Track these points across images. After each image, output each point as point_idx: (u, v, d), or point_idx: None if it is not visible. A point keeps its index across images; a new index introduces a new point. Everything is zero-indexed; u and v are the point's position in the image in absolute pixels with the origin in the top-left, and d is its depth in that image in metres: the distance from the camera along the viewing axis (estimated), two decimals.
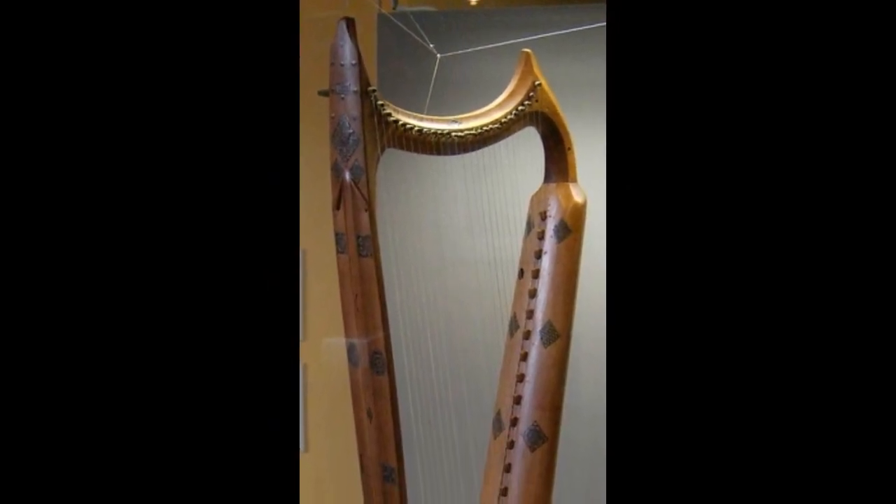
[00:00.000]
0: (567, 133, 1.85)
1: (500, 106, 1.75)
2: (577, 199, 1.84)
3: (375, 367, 1.56)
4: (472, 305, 2.10)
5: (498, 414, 1.82)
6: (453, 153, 1.67)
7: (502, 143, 1.76)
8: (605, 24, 1.34)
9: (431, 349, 1.82)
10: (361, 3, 2.32)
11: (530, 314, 1.81)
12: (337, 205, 1.54)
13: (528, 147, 1.84)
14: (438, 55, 1.94)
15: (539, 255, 1.83)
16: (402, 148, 1.60)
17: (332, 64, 1.51)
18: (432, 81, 1.90)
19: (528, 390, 1.79)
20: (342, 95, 1.50)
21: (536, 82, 1.78)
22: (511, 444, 1.78)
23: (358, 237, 1.53)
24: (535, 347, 1.80)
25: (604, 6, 1.38)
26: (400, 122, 1.56)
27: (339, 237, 1.56)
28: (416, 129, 1.59)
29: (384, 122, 1.53)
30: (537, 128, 1.83)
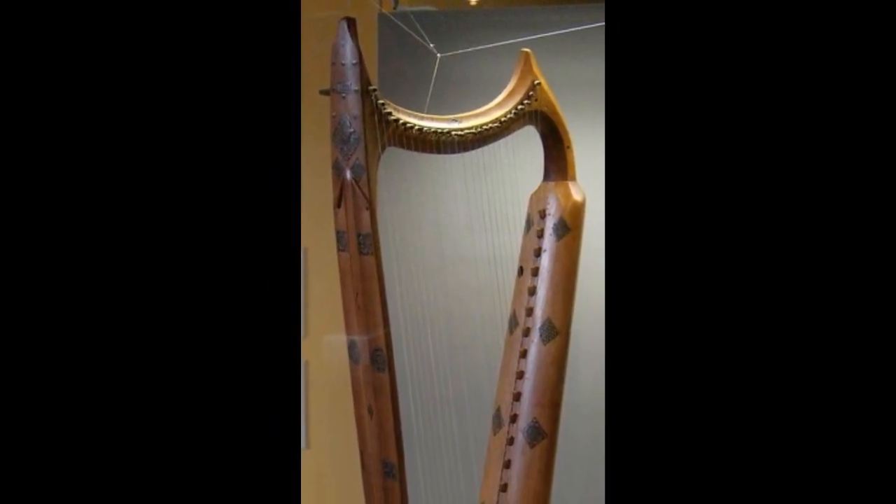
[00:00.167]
0: (566, 132, 1.85)
1: (499, 105, 1.75)
2: (576, 197, 1.84)
3: (376, 364, 1.56)
4: (471, 303, 2.10)
5: (498, 410, 1.82)
6: (453, 152, 1.67)
7: (502, 141, 1.76)
8: (603, 24, 1.34)
9: (432, 346, 1.82)
10: (362, 3, 2.32)
11: (530, 311, 1.81)
12: (338, 203, 1.54)
13: (528, 146, 1.84)
14: (438, 55, 1.94)
15: (538, 253, 1.83)
16: (402, 147, 1.60)
17: (333, 63, 1.51)
18: (432, 81, 1.90)
19: (527, 387, 1.79)
20: (343, 94, 1.50)
21: (536, 81, 1.78)
22: (511, 441, 1.78)
23: (359, 235, 1.53)
24: (534, 344, 1.80)
25: (602, 6, 1.38)
26: (400, 121, 1.56)
27: (340, 235, 1.56)
28: (417, 128, 1.59)
29: (385, 121, 1.53)
30: (537, 127, 1.83)
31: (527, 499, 1.77)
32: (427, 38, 1.96)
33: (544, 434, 1.78)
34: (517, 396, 1.79)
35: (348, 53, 1.49)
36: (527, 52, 1.80)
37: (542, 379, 1.79)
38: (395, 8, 2.28)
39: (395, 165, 2.06)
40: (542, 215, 1.84)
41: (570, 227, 1.83)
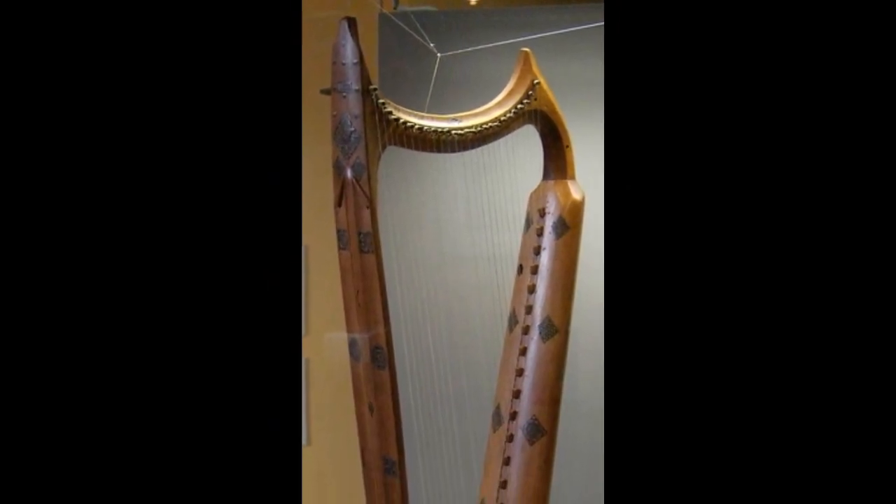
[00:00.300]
0: (565, 131, 1.85)
1: (499, 104, 1.75)
2: (576, 196, 1.84)
3: (376, 362, 1.56)
4: (471, 301, 2.10)
5: (497, 408, 1.82)
6: (453, 151, 1.67)
7: (502, 140, 1.76)
8: (602, 23, 1.34)
9: (432, 344, 1.82)
10: (363, 3, 2.32)
11: (529, 309, 1.82)
12: (339, 202, 1.54)
13: (527, 145, 1.84)
14: (439, 54, 1.94)
15: (538, 251, 1.83)
16: (402, 146, 1.60)
17: (334, 63, 1.51)
18: (433, 80, 1.90)
19: (527, 384, 1.79)
20: (344, 94, 1.50)
21: (535, 81, 1.78)
22: (510, 438, 1.78)
23: (359, 234, 1.53)
24: (533, 342, 1.80)
25: (601, 6, 1.38)
26: (401, 121, 1.56)
27: (340, 234, 1.56)
28: (417, 127, 1.59)
29: (385, 120, 1.53)
30: (536, 126, 1.83)
31: (526, 495, 1.77)
32: (427, 38, 1.96)
33: (543, 431, 1.78)
34: (517, 394, 1.79)
35: (349, 53, 1.49)
36: (526, 52, 1.80)
37: (542, 376, 1.79)
38: (395, 8, 2.28)
39: (396, 164, 2.05)
40: (542, 214, 1.84)
41: (569, 226, 1.83)
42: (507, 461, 1.78)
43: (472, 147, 1.70)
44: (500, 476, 1.78)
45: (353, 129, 1.50)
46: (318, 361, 2.78)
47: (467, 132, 1.66)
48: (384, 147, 1.55)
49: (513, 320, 1.84)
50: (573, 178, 1.87)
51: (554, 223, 1.83)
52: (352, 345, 1.59)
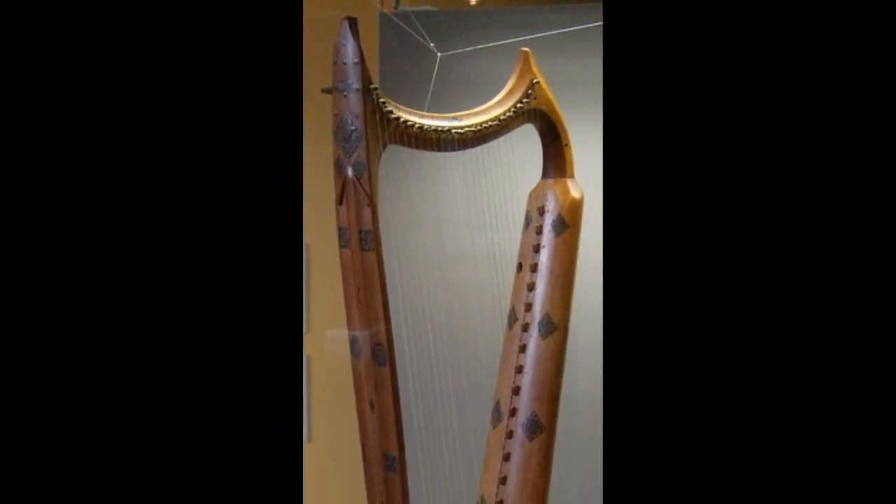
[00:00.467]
0: (564, 130, 1.85)
1: (499, 103, 1.75)
2: (575, 194, 1.84)
3: (377, 359, 1.56)
4: (471, 298, 2.10)
5: (497, 404, 1.82)
6: (453, 150, 1.67)
7: (501, 139, 1.76)
8: (601, 23, 1.34)
9: (432, 341, 1.83)
10: (364, 3, 2.32)
11: (528, 307, 1.82)
12: (340, 200, 1.54)
13: (527, 144, 1.84)
14: (439, 54, 1.94)
15: (537, 249, 1.83)
16: (403, 144, 1.60)
17: (335, 62, 1.51)
18: (433, 79, 1.90)
19: (526, 381, 1.79)
20: (345, 93, 1.50)
21: (534, 80, 1.78)
22: (510, 434, 1.79)
23: (360, 232, 1.53)
24: (533, 339, 1.80)
25: (600, 6, 1.38)
26: (401, 120, 1.56)
27: (341, 232, 1.56)
28: (417, 126, 1.59)
29: (386, 119, 1.54)
30: (535, 125, 1.83)
31: (525, 491, 1.77)
32: (427, 38, 1.96)
33: (543, 427, 1.78)
34: (516, 391, 1.79)
35: (350, 52, 1.49)
36: (526, 52, 1.80)
37: (541, 373, 1.79)
38: (396, 8, 2.28)
39: (396, 163, 2.05)
40: (541, 212, 1.84)
41: (568, 224, 1.83)
42: (506, 457, 1.78)
43: (472, 146, 1.71)
44: (500, 472, 1.78)
45: (353, 127, 1.50)
46: (319, 358, 2.78)
47: (467, 131, 1.66)
48: (385, 146, 1.55)
49: (512, 318, 1.84)
50: (572, 176, 1.87)
51: (553, 221, 1.83)
52: (353, 342, 1.59)
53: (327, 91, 1.53)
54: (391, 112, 1.54)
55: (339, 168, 1.52)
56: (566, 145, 1.85)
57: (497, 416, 1.82)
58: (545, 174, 1.88)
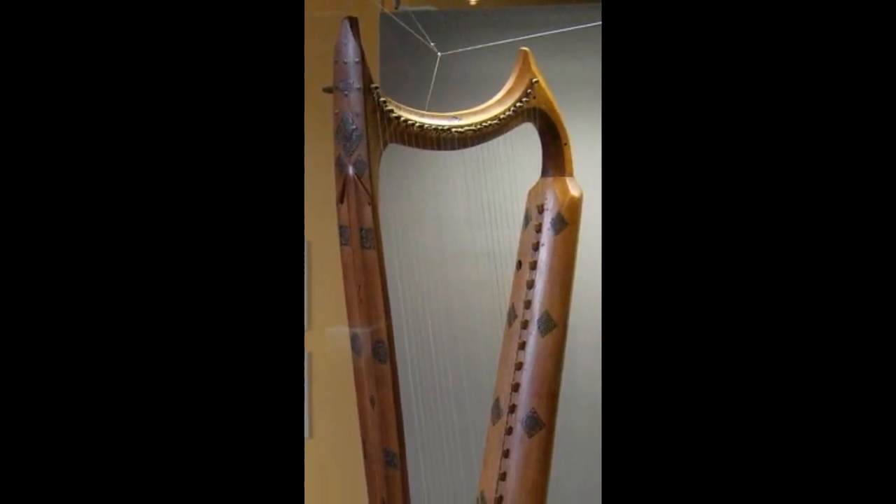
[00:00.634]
0: (563, 129, 1.85)
1: (498, 103, 1.75)
2: (574, 192, 1.84)
3: (378, 356, 1.56)
4: (471, 296, 2.11)
5: (497, 401, 1.82)
6: (453, 148, 1.67)
7: (501, 138, 1.76)
8: (600, 23, 1.34)
9: (432, 338, 1.83)
10: (364, 3, 2.32)
11: (528, 304, 1.82)
12: (341, 198, 1.54)
13: (526, 143, 1.84)
14: (439, 53, 1.94)
15: (536, 247, 1.83)
16: (403, 143, 1.60)
17: (336, 62, 1.51)
18: (433, 79, 1.90)
19: (525, 378, 1.79)
20: (346, 92, 1.50)
21: (534, 80, 1.78)
22: (509, 431, 1.79)
23: (361, 230, 1.53)
24: (532, 337, 1.80)
25: (599, 6, 1.38)
26: (402, 119, 1.56)
27: (342, 230, 1.56)
28: (418, 125, 1.59)
29: (386, 118, 1.53)
30: (535, 124, 1.83)
31: (525, 487, 1.77)
32: (428, 38, 1.96)
33: (542, 424, 1.78)
34: (516, 387, 1.79)
35: (351, 52, 1.49)
36: (525, 51, 1.80)
37: (540, 370, 1.79)
38: (396, 8, 2.28)
39: (397, 162, 2.05)
40: (540, 210, 1.84)
41: (567, 222, 1.83)
42: (506, 454, 1.78)
43: (472, 144, 1.71)
44: (500, 468, 1.78)
45: (354, 126, 1.50)
46: (320, 355, 2.78)
47: (467, 130, 1.66)
48: (385, 145, 1.55)
49: (512, 315, 1.84)
50: (571, 175, 1.87)
51: (552, 219, 1.83)
52: (353, 339, 1.59)
53: (328, 90, 1.53)
54: (392, 111, 1.54)
55: (340, 167, 1.52)
56: (565, 144, 1.85)
57: (497, 412, 1.82)
58: (544, 173, 1.88)
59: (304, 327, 2.76)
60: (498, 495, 1.77)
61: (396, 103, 1.56)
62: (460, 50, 1.98)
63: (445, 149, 1.66)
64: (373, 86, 1.51)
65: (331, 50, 1.51)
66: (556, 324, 1.80)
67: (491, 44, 1.99)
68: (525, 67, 1.79)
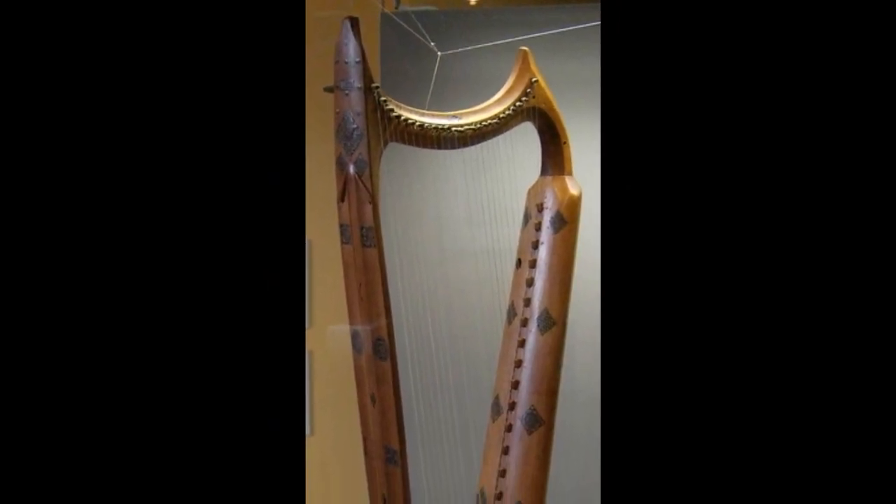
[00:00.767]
0: (563, 128, 1.84)
1: (498, 102, 1.75)
2: (573, 191, 1.84)
3: (378, 354, 1.56)
4: (471, 294, 2.10)
5: (496, 398, 1.82)
6: (453, 147, 1.67)
7: (501, 137, 1.76)
8: (599, 23, 1.34)
9: (432, 336, 1.83)
10: (365, 3, 2.32)
11: (527, 302, 1.82)
12: (342, 197, 1.54)
13: (526, 142, 1.84)
14: (439, 53, 1.94)
15: (536, 245, 1.83)
16: (404, 142, 1.60)
17: (337, 61, 1.51)
18: (433, 78, 1.90)
19: (525, 376, 1.79)
20: (346, 92, 1.50)
21: (533, 79, 1.78)
22: (509, 428, 1.79)
23: (362, 228, 1.53)
24: (532, 334, 1.80)
25: (598, 6, 1.38)
26: (402, 118, 1.56)
27: (343, 228, 1.56)
28: (418, 124, 1.59)
29: (387, 117, 1.53)
30: (534, 123, 1.82)
31: (525, 484, 1.77)
32: (428, 37, 1.96)
33: (541, 421, 1.78)
34: (515, 385, 1.79)
35: (351, 52, 1.49)
36: (525, 51, 1.80)
37: (540, 368, 1.79)
38: (396, 8, 2.28)
39: (397, 161, 2.06)
40: (540, 209, 1.84)
41: (566, 221, 1.83)
42: (505, 450, 1.78)
43: (472, 144, 1.70)
44: (500, 465, 1.78)
45: (355, 126, 1.50)
46: (321, 353, 2.78)
47: (467, 129, 1.66)
48: (386, 144, 1.55)
49: (511, 313, 1.84)
50: (570, 173, 1.87)
51: (552, 218, 1.83)
52: (354, 337, 1.59)
53: (329, 90, 1.53)
54: (392, 110, 1.54)
55: (341, 166, 1.52)
56: (564, 143, 1.85)
57: (496, 409, 1.82)
58: (544, 171, 1.88)
59: (306, 325, 2.76)
60: (498, 492, 1.77)
61: (397, 102, 1.56)
62: (460, 49, 1.98)
63: (445, 148, 1.65)
64: (373, 85, 1.51)
65: (332, 50, 1.51)
66: (555, 321, 1.80)
67: (491, 43, 1.99)
68: (524, 67, 1.79)
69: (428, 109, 1.64)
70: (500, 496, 1.77)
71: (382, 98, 1.52)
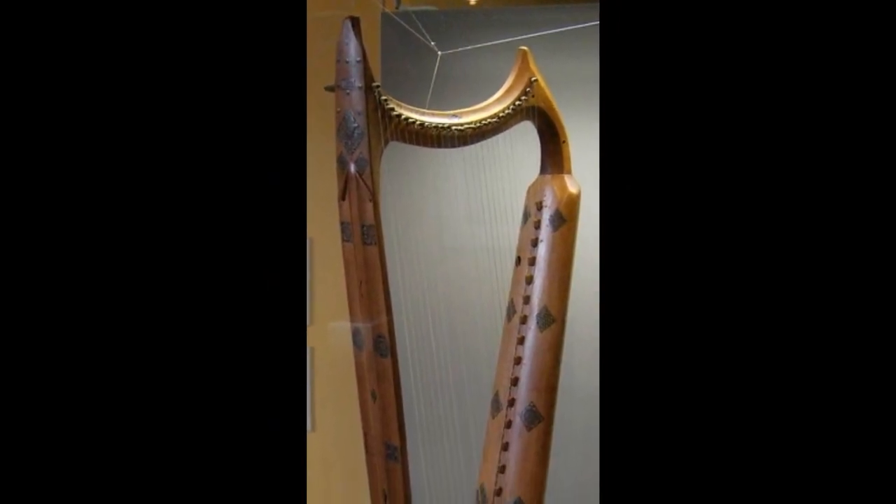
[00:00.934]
0: (562, 127, 1.84)
1: (498, 101, 1.75)
2: (572, 189, 1.84)
3: (379, 350, 1.56)
4: (471, 291, 2.10)
5: (496, 395, 1.82)
6: (453, 146, 1.67)
7: (500, 136, 1.76)
8: (598, 23, 1.34)
9: (433, 333, 1.83)
10: (366, 3, 2.32)
11: (527, 300, 1.81)
12: (342, 195, 1.54)
13: (525, 140, 1.84)
14: (439, 52, 1.94)
15: (535, 243, 1.83)
16: (404, 141, 1.60)
17: (338, 61, 1.51)
18: (433, 78, 1.90)
19: (524, 372, 1.79)
20: (347, 91, 1.50)
21: (533, 78, 1.78)
22: (509, 424, 1.79)
23: (362, 226, 1.53)
24: (531, 331, 1.80)
25: (597, 6, 1.38)
26: (402, 117, 1.56)
27: (344, 226, 1.56)
28: (418, 123, 1.59)
29: (387, 116, 1.53)
30: (533, 122, 1.82)
31: (524, 479, 1.77)
32: (428, 37, 1.96)
33: (541, 417, 1.78)
34: (515, 381, 1.79)
35: (352, 51, 1.49)
36: (524, 50, 1.80)
37: (539, 364, 1.79)
38: (397, 7, 2.28)
39: (398, 159, 2.06)
40: (539, 207, 1.84)
41: (565, 219, 1.82)
42: (505, 446, 1.78)
43: (472, 142, 1.70)
44: (499, 461, 1.78)
45: (356, 125, 1.50)
46: (322, 350, 2.78)
47: (467, 128, 1.66)
48: (386, 142, 1.55)
49: (511, 310, 1.84)
50: (569, 172, 1.87)
51: (551, 216, 1.83)
52: (355, 334, 1.59)
53: (330, 89, 1.53)
54: (393, 109, 1.54)
55: (342, 164, 1.52)
56: (564, 142, 1.85)
57: (496, 406, 1.82)
58: (543, 170, 1.88)
59: (307, 322, 2.76)
60: (497, 487, 1.77)
61: (397, 102, 1.56)
62: (460, 49, 1.98)
63: (445, 146, 1.65)
64: (374, 84, 1.51)
65: (333, 49, 1.51)
66: (554, 319, 1.80)
67: (490, 43, 1.99)
68: (524, 66, 1.79)
69: (428, 108, 1.64)
70: (499, 492, 1.77)
71: (383, 97, 1.52)
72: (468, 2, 2.42)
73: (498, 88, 1.78)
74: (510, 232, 1.88)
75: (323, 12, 2.19)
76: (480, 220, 1.89)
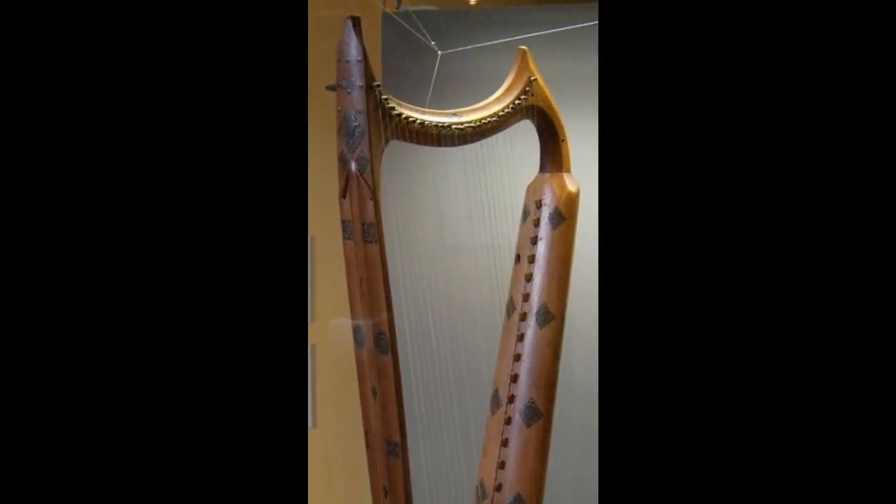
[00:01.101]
0: (561, 126, 1.84)
1: (497, 100, 1.75)
2: (571, 188, 1.84)
3: (380, 347, 1.56)
4: (471, 289, 2.10)
5: (496, 391, 1.82)
6: (453, 145, 1.67)
7: (500, 135, 1.76)
8: (597, 22, 1.34)
9: (433, 330, 1.83)
10: (366, 3, 2.32)
11: (526, 297, 1.82)
12: (343, 194, 1.54)
13: (525, 139, 1.84)
14: (439, 52, 1.94)
15: (535, 241, 1.83)
16: (404, 140, 1.60)
17: (339, 60, 1.51)
18: (433, 77, 1.90)
19: (524, 369, 1.79)
20: (348, 90, 1.50)
21: (532, 78, 1.78)
22: (508, 420, 1.79)
23: (363, 224, 1.53)
24: (530, 329, 1.80)
25: (596, 6, 1.38)
26: (403, 116, 1.56)
27: (345, 224, 1.56)
28: (419, 121, 1.59)
29: (388, 115, 1.53)
30: (533, 121, 1.82)
31: (524, 475, 1.77)
32: (428, 37, 1.96)
33: (540, 414, 1.78)
34: (514, 378, 1.79)
35: (353, 51, 1.49)
36: (524, 50, 1.80)
37: (538, 361, 1.79)
38: (397, 7, 2.28)
39: (398, 158, 2.05)
40: (539, 205, 1.84)
41: (564, 217, 1.82)
42: (505, 443, 1.78)
43: (472, 141, 1.70)
44: (499, 457, 1.78)
45: (357, 123, 1.50)
46: (323, 347, 2.78)
47: (467, 127, 1.66)
48: (387, 141, 1.55)
49: (510, 307, 1.84)
50: (569, 170, 1.87)
51: (550, 214, 1.83)
52: (356, 331, 1.59)
53: (331, 88, 1.53)
54: (393, 108, 1.54)
55: (343, 163, 1.52)
56: (563, 141, 1.85)
57: (496, 402, 1.82)
58: (542, 169, 1.88)
59: (308, 319, 2.76)
60: (497, 483, 1.77)
61: (398, 101, 1.56)
62: (460, 49, 1.98)
63: (446, 145, 1.65)
64: (375, 84, 1.51)
65: (334, 49, 1.51)
66: (553, 316, 1.80)
67: (490, 43, 1.99)
68: (523, 66, 1.79)
69: (428, 107, 1.64)
70: (499, 488, 1.77)
71: (384, 96, 1.52)
72: (468, 2, 2.42)
73: (498, 88, 1.78)
74: (510, 230, 1.88)
75: (324, 12, 2.20)
76: (480, 218, 1.89)
